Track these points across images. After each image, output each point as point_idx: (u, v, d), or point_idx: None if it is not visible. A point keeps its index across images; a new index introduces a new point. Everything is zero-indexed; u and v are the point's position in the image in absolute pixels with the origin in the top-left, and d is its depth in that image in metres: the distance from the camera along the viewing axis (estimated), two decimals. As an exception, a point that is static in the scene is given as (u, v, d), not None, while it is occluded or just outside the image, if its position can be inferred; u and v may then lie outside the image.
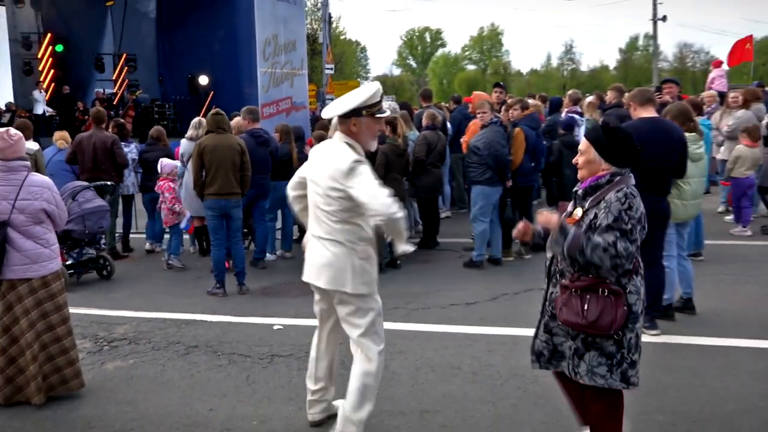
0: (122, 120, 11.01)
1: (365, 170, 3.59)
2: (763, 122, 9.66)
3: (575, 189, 3.42)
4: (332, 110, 3.72)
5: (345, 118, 3.69)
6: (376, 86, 3.72)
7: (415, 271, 8.01)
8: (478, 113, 8.06)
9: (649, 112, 5.58)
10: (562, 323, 3.28)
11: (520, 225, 3.47)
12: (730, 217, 9.73)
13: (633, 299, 3.22)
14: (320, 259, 3.76)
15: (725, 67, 17.08)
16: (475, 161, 7.78)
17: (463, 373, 4.86)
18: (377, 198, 3.51)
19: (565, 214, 3.39)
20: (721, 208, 10.51)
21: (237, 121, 8.35)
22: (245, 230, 8.56)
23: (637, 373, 3.27)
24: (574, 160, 3.44)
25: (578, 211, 3.30)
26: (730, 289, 6.72)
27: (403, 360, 5.12)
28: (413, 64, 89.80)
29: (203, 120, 8.49)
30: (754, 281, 6.97)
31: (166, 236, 8.96)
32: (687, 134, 5.78)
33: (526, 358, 5.02)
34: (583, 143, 3.36)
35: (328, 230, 3.71)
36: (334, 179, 3.62)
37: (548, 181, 11.50)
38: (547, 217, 3.32)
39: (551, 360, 3.43)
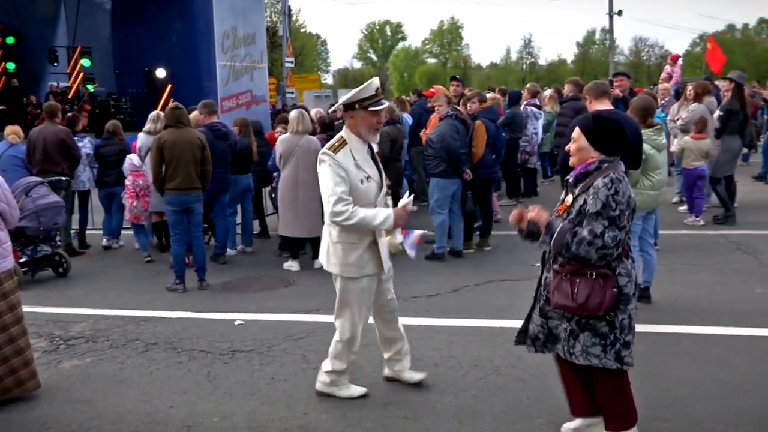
0: (74, 113, 10.75)
1: (327, 168, 3.95)
2: (714, 115, 9.89)
3: (567, 177, 3.54)
4: (337, 104, 4.22)
5: (345, 111, 4.09)
6: (371, 81, 4.06)
7: (376, 264, 8.01)
8: (435, 106, 8.13)
9: (605, 105, 5.68)
10: (554, 307, 3.39)
11: (516, 211, 3.53)
12: (683, 208, 9.96)
13: (624, 281, 3.32)
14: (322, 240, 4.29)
15: (680, 61, 17.40)
16: (430, 154, 7.85)
17: (425, 365, 4.88)
18: (327, 204, 3.95)
19: (560, 201, 3.53)
20: (675, 199, 10.76)
21: (194, 115, 8.25)
22: (205, 225, 8.46)
23: (631, 353, 3.38)
24: (566, 147, 3.57)
25: (569, 198, 3.42)
26: (684, 278, 6.89)
27: (366, 353, 5.12)
28: (374, 57, 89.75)
29: (161, 114, 8.37)
30: (706, 270, 7.16)
31: (126, 232, 8.80)
32: (651, 127, 5.91)
33: (487, 348, 5.13)
34: (576, 131, 3.47)
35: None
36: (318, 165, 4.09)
37: (508, 173, 11.69)
38: (537, 213, 3.42)
39: (546, 343, 3.53)
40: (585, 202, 3.30)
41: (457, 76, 11.04)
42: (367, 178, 4.05)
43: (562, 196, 3.51)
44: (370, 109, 4.01)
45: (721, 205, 9.56)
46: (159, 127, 8.14)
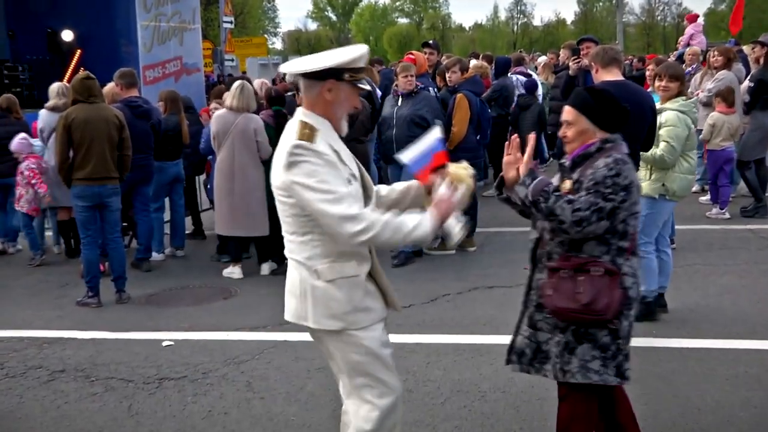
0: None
1: (310, 167, 3.11)
2: (743, 86, 10.04)
3: (561, 161, 3.59)
4: (299, 65, 3.27)
5: (317, 79, 3.21)
6: (364, 49, 3.32)
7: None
8: (403, 77, 8.10)
9: (614, 75, 5.72)
10: (552, 312, 3.41)
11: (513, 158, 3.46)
12: (706, 198, 10.11)
13: (629, 282, 3.39)
14: (286, 284, 3.42)
15: (701, 21, 17.62)
16: (421, 134, 7.85)
17: (397, 392, 4.90)
18: (334, 218, 3.08)
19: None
20: (696, 187, 10.89)
21: (110, 87, 8.16)
22: (125, 224, 8.36)
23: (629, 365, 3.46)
24: (560, 134, 3.58)
25: (567, 184, 3.45)
26: (706, 281, 7.00)
27: (326, 378, 5.12)
28: (332, 16, 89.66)
29: (68, 86, 8.26)
30: (732, 271, 7.29)
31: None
32: (684, 100, 6.01)
33: (470, 370, 5.16)
34: (570, 112, 3.48)
35: (289, 246, 3.34)
36: (277, 175, 3.23)
37: (495, 158, 11.76)
38: (515, 159, 3.42)
39: (533, 361, 3.55)
40: (582, 185, 3.37)
41: (431, 42, 11.05)
42: (354, 176, 3.28)
43: (556, 181, 3.54)
44: (359, 85, 3.29)
45: (750, 195, 9.73)
46: (67, 103, 8.01)
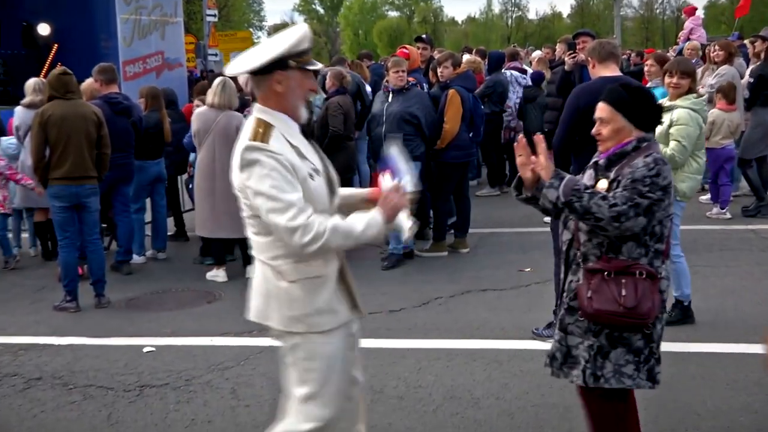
0: None
1: (261, 169, 3.09)
2: (743, 81, 10.08)
3: (595, 159, 3.60)
4: (242, 65, 3.25)
5: (264, 74, 3.19)
6: (304, 28, 3.26)
7: (325, 273, 8.01)
8: (394, 72, 8.13)
9: (612, 70, 5.74)
10: (590, 314, 3.40)
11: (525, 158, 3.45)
12: (706, 197, 10.14)
13: (664, 285, 3.46)
14: (252, 282, 3.42)
15: (701, 14, 17.70)
16: (411, 132, 7.91)
17: (387, 399, 4.90)
18: (284, 228, 3.06)
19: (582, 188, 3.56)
20: (696, 186, 10.94)
21: (88, 83, 8.13)
22: (104, 225, 8.33)
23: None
24: (594, 132, 3.58)
25: (603, 183, 3.46)
26: (706, 283, 7.00)
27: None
28: (320, 9, 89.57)
29: (45, 81, 8.24)
30: (733, 273, 7.32)
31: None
32: (695, 97, 6.00)
33: (463, 376, 5.16)
34: (605, 110, 3.50)
35: (253, 244, 3.34)
36: (234, 176, 3.26)
37: (488, 156, 11.79)
38: (535, 159, 3.38)
39: (563, 366, 3.56)
40: (619, 184, 3.39)
41: (424, 36, 11.09)
42: (315, 170, 3.25)
43: (588, 181, 3.54)
44: (309, 67, 3.24)
45: (751, 194, 9.76)
46: (43, 99, 7.99)
